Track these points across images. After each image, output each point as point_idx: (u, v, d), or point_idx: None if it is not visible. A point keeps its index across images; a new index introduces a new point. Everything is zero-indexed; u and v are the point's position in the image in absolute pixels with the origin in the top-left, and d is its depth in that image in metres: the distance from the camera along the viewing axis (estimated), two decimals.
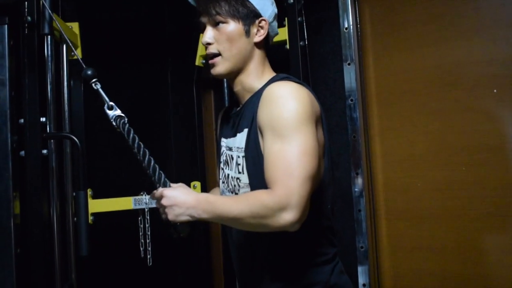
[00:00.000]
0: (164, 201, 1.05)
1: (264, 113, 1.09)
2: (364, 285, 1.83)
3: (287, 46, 1.81)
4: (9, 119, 1.41)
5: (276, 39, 1.36)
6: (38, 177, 1.44)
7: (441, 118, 1.77)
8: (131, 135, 1.13)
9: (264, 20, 1.22)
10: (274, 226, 1.01)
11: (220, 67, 1.20)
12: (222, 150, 1.31)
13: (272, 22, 1.25)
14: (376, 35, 1.91)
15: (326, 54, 1.95)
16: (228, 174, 1.24)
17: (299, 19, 1.81)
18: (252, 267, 1.23)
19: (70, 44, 1.44)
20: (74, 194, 1.64)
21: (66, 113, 1.71)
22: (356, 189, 1.86)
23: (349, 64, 1.88)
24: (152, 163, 1.10)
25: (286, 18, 1.81)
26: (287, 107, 1.05)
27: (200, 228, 2.11)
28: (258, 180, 1.10)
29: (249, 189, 1.15)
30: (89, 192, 1.76)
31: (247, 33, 1.20)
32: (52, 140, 1.57)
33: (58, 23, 1.44)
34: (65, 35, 1.45)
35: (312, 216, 1.06)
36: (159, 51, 2.24)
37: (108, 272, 1.92)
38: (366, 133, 1.90)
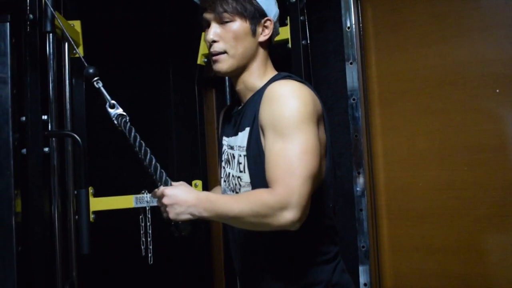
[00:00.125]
0: (165, 200, 1.05)
1: (266, 112, 1.09)
2: (365, 284, 1.83)
3: (289, 45, 1.80)
4: (10, 117, 1.42)
5: (278, 38, 1.36)
6: (40, 175, 1.44)
7: (443, 117, 1.77)
8: (133, 133, 1.13)
9: (269, 20, 1.21)
10: (274, 225, 1.01)
11: (224, 64, 1.19)
12: (223, 149, 1.30)
13: (276, 22, 1.26)
14: (378, 34, 1.90)
15: (328, 53, 1.95)
16: (230, 173, 1.24)
17: (301, 18, 1.80)
18: (253, 266, 1.23)
19: (72, 42, 1.44)
20: (75, 192, 1.64)
21: (68, 111, 1.71)
22: (357, 189, 1.86)
23: (351, 63, 1.88)
24: (153, 162, 1.10)
25: (288, 17, 1.81)
26: (288, 106, 1.05)
27: (201, 226, 2.11)
28: (259, 179, 1.10)
29: (250, 188, 1.15)
30: (91, 190, 1.76)
31: (253, 32, 1.19)
32: (53, 138, 1.56)
33: (60, 21, 1.44)
34: (67, 33, 1.45)
35: (314, 215, 1.06)
36: (161, 49, 2.24)
37: (109, 270, 1.92)
38: (368, 133, 1.90)
